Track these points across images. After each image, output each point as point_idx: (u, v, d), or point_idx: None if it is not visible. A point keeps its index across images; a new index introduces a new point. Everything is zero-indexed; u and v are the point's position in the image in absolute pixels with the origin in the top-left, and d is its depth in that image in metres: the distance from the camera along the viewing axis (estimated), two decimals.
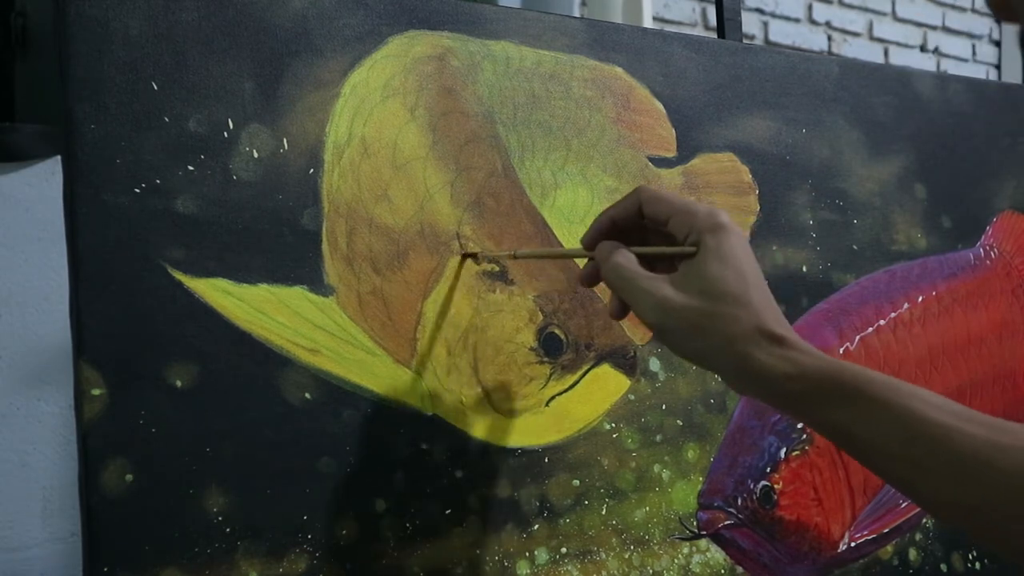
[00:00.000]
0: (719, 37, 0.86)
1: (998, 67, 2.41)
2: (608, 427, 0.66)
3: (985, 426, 0.44)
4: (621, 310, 0.54)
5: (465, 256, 0.61)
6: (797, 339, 0.48)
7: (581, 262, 0.60)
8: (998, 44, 2.41)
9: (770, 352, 0.47)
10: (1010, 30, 2.39)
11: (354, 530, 0.56)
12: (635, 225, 0.54)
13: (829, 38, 2.09)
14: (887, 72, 0.85)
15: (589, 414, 0.65)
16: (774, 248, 0.74)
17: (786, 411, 0.50)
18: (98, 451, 0.50)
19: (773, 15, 1.99)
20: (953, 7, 2.32)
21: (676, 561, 0.68)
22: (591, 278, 0.56)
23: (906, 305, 0.81)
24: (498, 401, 0.62)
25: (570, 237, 0.65)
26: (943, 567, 0.81)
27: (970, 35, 2.35)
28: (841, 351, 0.77)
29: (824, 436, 0.49)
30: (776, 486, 0.72)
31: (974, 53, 2.36)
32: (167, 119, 0.53)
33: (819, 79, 0.79)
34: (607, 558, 0.65)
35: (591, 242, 0.55)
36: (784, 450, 0.73)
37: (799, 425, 0.74)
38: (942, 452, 0.44)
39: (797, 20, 2.03)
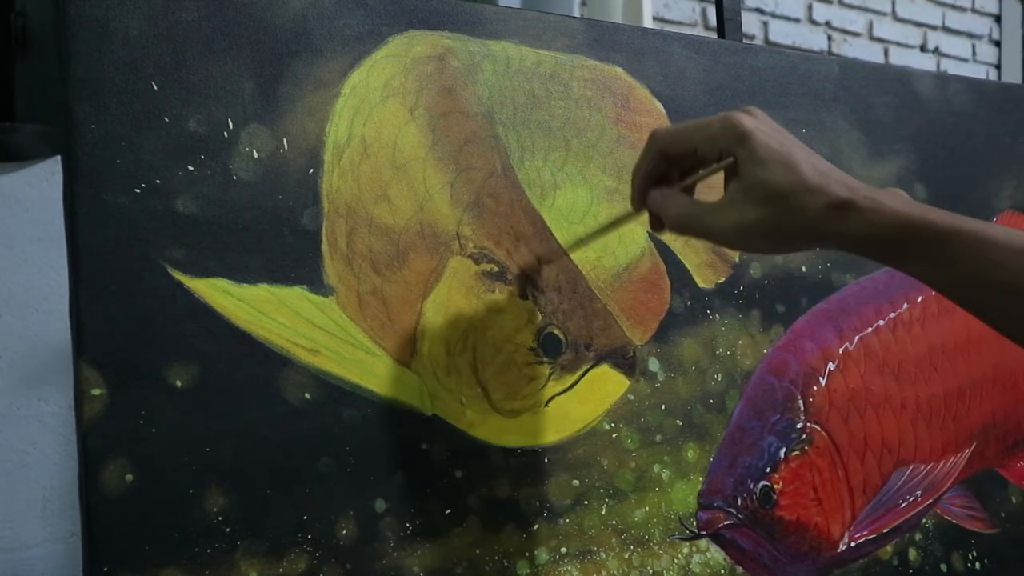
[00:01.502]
0: (719, 37, 0.86)
1: (998, 67, 2.40)
2: (608, 427, 0.66)
3: None
4: (659, 224, 0.56)
5: (540, 262, 0.63)
6: (865, 194, 0.49)
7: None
8: (998, 44, 2.41)
9: (845, 220, 0.48)
10: (1011, 30, 2.39)
11: (354, 530, 0.56)
12: (667, 167, 0.55)
13: (829, 38, 2.09)
14: (887, 72, 0.85)
15: (589, 414, 0.65)
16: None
17: (880, 262, 0.51)
18: (98, 451, 0.50)
19: (773, 15, 1.99)
20: (953, 7, 2.31)
21: (676, 561, 0.68)
22: (656, 225, 0.57)
23: (906, 305, 0.81)
24: (498, 401, 0.62)
25: (570, 237, 0.65)
26: (943, 567, 0.81)
27: (970, 35, 2.35)
28: (841, 351, 0.77)
29: (925, 284, 0.51)
30: (776, 486, 0.72)
31: (974, 53, 2.36)
32: (167, 119, 0.53)
33: (819, 79, 0.79)
34: (607, 558, 0.65)
35: (638, 200, 0.56)
36: (784, 450, 0.73)
37: (798, 425, 0.74)
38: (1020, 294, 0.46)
39: (797, 20, 2.03)
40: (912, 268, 0.49)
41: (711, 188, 0.55)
